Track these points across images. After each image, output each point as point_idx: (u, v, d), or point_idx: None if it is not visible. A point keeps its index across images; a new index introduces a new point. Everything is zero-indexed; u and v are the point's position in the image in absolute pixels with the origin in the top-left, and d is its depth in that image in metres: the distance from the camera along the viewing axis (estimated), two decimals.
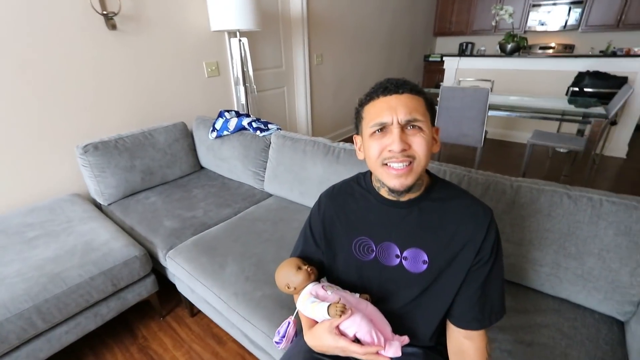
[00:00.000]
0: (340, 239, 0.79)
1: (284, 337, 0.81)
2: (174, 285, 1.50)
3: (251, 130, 1.82)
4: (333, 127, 4.00)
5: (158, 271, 1.53)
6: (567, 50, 5.11)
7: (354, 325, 0.66)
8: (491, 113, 2.61)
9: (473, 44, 5.75)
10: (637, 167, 3.14)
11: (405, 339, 0.69)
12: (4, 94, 1.54)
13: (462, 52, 5.79)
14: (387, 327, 0.70)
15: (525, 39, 3.67)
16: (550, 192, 0.99)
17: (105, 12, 1.78)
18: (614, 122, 3.16)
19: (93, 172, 1.69)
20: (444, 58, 4.21)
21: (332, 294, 0.72)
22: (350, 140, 4.11)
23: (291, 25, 3.12)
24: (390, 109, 0.63)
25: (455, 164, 1.23)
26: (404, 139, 0.63)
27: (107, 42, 1.84)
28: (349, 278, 0.79)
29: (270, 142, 1.77)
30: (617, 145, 3.38)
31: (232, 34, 2.42)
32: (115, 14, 1.82)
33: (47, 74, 1.65)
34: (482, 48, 4.70)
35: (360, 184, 0.80)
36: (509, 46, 3.65)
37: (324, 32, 3.41)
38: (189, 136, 2.09)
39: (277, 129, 1.82)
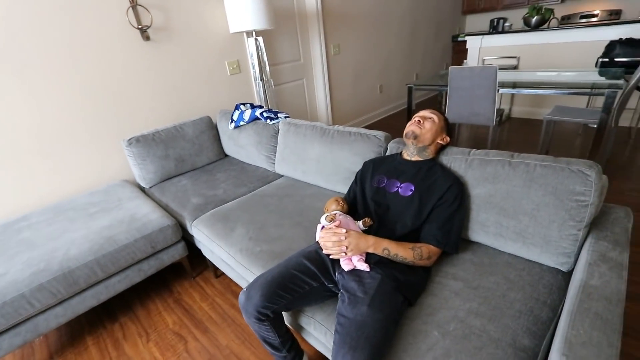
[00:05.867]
0: (367, 178, 1.30)
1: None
2: (201, 253, 1.81)
3: (263, 119, 2.08)
4: (354, 115, 4.15)
5: (189, 241, 1.85)
6: (613, 17, 4.72)
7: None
8: (502, 91, 2.61)
9: (505, 20, 5.49)
10: None
11: (365, 267, 1.03)
12: (68, 100, 1.94)
13: (494, 29, 5.56)
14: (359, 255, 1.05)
15: (552, 10, 3.50)
16: (495, 162, 1.12)
17: (140, 26, 2.12)
18: None
19: (136, 160, 2.06)
20: (467, 37, 4.14)
21: (339, 214, 1.16)
22: (373, 127, 4.23)
23: (307, 20, 3.31)
24: (426, 114, 1.25)
25: (472, 145, 1.42)
26: (421, 124, 1.22)
27: (143, 51, 2.18)
28: (369, 198, 1.24)
29: (279, 129, 2.01)
30: None
31: (249, 34, 2.68)
32: (149, 27, 2.16)
33: (98, 82, 2.03)
34: (508, 24, 4.51)
35: (394, 155, 1.33)
36: (534, 20, 3.51)
37: (339, 23, 3.55)
38: (214, 128, 2.40)
39: (285, 117, 2.05)
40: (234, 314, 1.59)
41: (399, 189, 1.19)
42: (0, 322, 1.24)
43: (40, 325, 1.36)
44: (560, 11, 4.93)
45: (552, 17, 3.61)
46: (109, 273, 1.49)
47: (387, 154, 1.48)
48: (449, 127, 1.28)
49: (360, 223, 1.14)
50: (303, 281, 1.04)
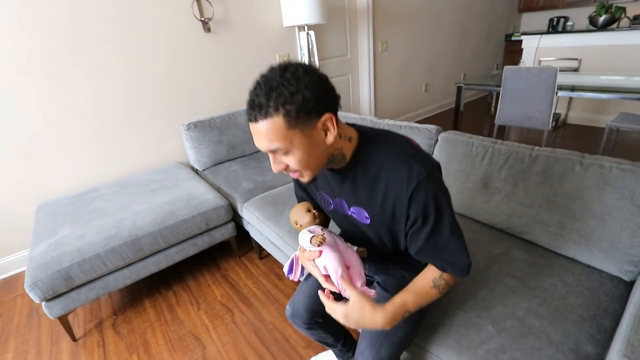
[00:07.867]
0: (312, 191, 0.95)
1: (291, 271, 0.98)
2: (248, 235, 1.91)
3: None
4: (397, 113, 4.10)
5: (237, 222, 1.96)
6: None
7: (325, 259, 0.82)
8: (561, 94, 2.47)
9: (567, 19, 5.13)
10: None
11: (372, 294, 0.79)
12: (138, 85, 2.12)
13: (553, 28, 5.22)
14: (360, 278, 0.84)
15: (623, 8, 3.24)
16: (564, 160, 1.08)
17: (203, 19, 2.26)
18: None
19: (193, 144, 2.20)
20: (523, 37, 3.94)
21: (326, 234, 0.86)
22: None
23: (357, 15, 3.32)
24: (257, 140, 0.66)
25: None
26: (277, 161, 0.68)
27: (204, 42, 2.33)
28: (331, 219, 0.97)
29: None
30: None
31: (301, 28, 2.75)
32: (210, 19, 2.29)
33: (163, 70, 2.20)
34: (570, 23, 4.22)
35: None
36: (601, 19, 3.27)
37: (389, 19, 3.53)
38: None
39: None
40: (276, 293, 1.68)
41: (353, 214, 0.84)
42: (80, 276, 1.41)
43: (110, 283, 1.53)
44: (632, 10, 4.53)
45: (623, 16, 3.34)
46: (169, 244, 1.63)
47: None
48: (320, 100, 0.64)
49: (355, 249, 0.89)
50: None
